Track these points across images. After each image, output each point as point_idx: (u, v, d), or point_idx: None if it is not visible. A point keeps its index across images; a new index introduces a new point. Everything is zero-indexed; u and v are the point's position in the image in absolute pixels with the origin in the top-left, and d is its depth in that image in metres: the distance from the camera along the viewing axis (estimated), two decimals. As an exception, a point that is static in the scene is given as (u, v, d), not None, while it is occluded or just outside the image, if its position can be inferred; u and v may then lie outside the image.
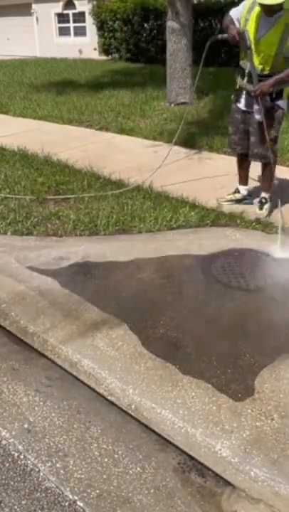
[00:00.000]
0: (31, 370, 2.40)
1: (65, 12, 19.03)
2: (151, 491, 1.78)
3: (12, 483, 1.83)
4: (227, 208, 4.02)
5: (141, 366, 2.25)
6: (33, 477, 1.85)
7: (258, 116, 3.55)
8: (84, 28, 18.32)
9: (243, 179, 4.14)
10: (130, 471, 1.86)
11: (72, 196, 4.33)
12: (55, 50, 18.73)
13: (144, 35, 14.85)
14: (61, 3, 18.88)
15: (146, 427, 2.04)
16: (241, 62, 3.60)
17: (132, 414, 2.09)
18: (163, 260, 3.22)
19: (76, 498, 1.75)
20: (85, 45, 18.06)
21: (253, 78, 3.43)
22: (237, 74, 3.67)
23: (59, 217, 3.91)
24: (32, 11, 19.89)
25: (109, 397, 2.17)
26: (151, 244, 3.47)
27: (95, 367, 2.26)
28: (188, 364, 2.26)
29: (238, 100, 3.74)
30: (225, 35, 3.49)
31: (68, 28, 19.24)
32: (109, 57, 16.71)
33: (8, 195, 4.35)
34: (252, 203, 4.08)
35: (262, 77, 3.44)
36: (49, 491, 1.79)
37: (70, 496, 1.76)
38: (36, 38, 20.25)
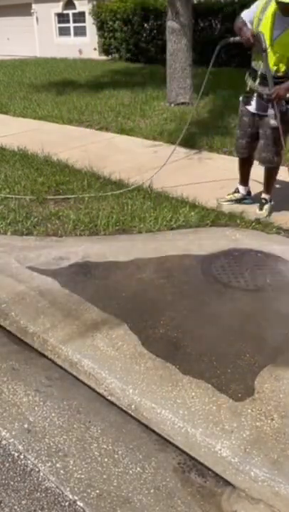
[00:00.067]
0: (31, 370, 2.40)
1: (65, 12, 19.04)
2: (151, 491, 1.78)
3: (12, 483, 1.83)
4: (227, 208, 4.02)
5: (141, 366, 2.25)
6: (33, 477, 1.85)
7: (273, 122, 3.42)
8: (84, 28, 18.33)
9: (244, 179, 4.12)
10: (130, 471, 1.86)
11: (72, 196, 4.33)
12: (55, 50, 18.74)
13: (144, 35, 14.86)
14: (61, 3, 18.89)
15: (146, 427, 2.04)
16: (253, 64, 3.52)
17: (132, 414, 2.09)
18: (163, 260, 3.22)
19: (76, 498, 1.75)
20: (85, 45, 18.07)
21: (269, 81, 3.34)
22: (248, 76, 3.58)
23: (59, 217, 3.91)
24: (32, 11, 19.90)
25: (109, 397, 2.17)
26: (151, 244, 3.47)
27: (95, 367, 2.26)
28: (188, 364, 2.26)
29: (247, 103, 3.63)
30: (237, 38, 3.44)
31: (68, 28, 19.25)
32: (109, 57, 16.72)
33: (8, 195, 4.35)
34: (251, 203, 4.08)
35: (276, 79, 3.36)
36: (49, 491, 1.79)
37: (70, 496, 1.76)
38: (36, 38, 20.26)
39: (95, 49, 17.62)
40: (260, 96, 3.52)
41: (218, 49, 3.54)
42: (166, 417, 1.99)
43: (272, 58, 3.34)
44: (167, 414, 1.99)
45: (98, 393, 2.21)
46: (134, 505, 1.73)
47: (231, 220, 3.81)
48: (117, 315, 2.63)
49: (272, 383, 2.14)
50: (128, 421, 2.08)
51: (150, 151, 5.82)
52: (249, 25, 3.41)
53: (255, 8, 3.41)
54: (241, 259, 3.24)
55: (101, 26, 16.48)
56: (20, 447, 1.96)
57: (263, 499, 1.70)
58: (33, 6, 19.78)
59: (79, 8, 18.27)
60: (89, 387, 2.26)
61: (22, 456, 1.93)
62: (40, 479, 1.83)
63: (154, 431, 2.02)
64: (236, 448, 1.83)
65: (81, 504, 1.73)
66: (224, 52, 11.82)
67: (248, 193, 4.16)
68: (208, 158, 5.50)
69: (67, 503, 1.74)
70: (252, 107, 3.62)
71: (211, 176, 4.79)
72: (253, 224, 3.74)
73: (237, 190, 4.15)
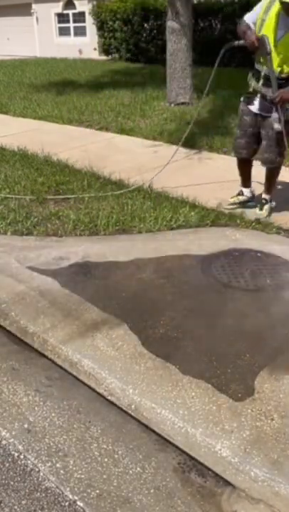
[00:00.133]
0: (31, 370, 2.40)
1: (65, 12, 19.04)
2: (151, 491, 1.78)
3: (12, 483, 1.83)
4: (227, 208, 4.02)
5: (141, 366, 2.25)
6: (33, 477, 1.85)
7: (277, 126, 3.39)
8: (84, 28, 18.33)
9: (246, 181, 4.04)
10: (130, 471, 1.86)
11: (72, 196, 4.33)
12: (55, 50, 18.74)
13: (144, 35, 14.87)
14: (61, 3, 18.88)
15: (146, 427, 2.04)
16: (256, 65, 3.50)
17: (132, 414, 2.09)
18: (163, 260, 3.22)
19: (76, 498, 1.75)
20: (85, 45, 18.06)
21: (272, 84, 3.33)
22: (251, 76, 3.56)
23: (59, 217, 3.91)
24: (32, 11, 19.90)
25: (109, 397, 2.17)
26: (151, 244, 3.47)
27: (95, 367, 2.26)
28: (188, 364, 2.26)
29: (250, 102, 3.60)
30: (242, 42, 3.42)
31: (68, 28, 19.25)
32: (109, 57, 16.72)
33: (8, 195, 4.35)
34: (255, 206, 4.00)
35: (279, 80, 3.34)
36: (49, 491, 1.79)
37: (70, 496, 1.76)
38: (36, 38, 20.26)
39: (95, 49, 17.62)
40: (263, 97, 3.50)
41: (223, 52, 3.53)
42: (166, 417, 1.99)
43: (276, 59, 3.32)
44: (167, 414, 1.99)
45: (98, 393, 2.21)
46: (134, 505, 1.73)
47: (231, 220, 3.81)
48: (117, 315, 2.63)
49: (272, 383, 2.14)
50: (128, 421, 2.08)
51: (150, 151, 5.82)
52: (252, 26, 3.39)
53: (259, 8, 3.38)
54: (241, 259, 3.24)
55: (101, 26, 16.48)
56: (20, 447, 1.96)
57: (263, 499, 1.70)
58: (33, 6, 19.78)
59: (79, 8, 18.26)
60: (89, 387, 2.26)
61: (22, 456, 1.93)
62: (40, 479, 1.83)
63: (154, 431, 2.02)
64: (236, 448, 1.83)
65: (81, 504, 1.73)
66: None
67: (253, 195, 4.07)
68: (208, 158, 5.50)
69: (67, 503, 1.74)
70: (254, 107, 3.59)
71: (211, 176, 4.79)
72: (253, 224, 3.74)
73: (241, 193, 4.07)
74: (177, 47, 8.16)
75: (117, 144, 6.25)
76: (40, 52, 19.63)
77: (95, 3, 16.91)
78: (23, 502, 1.76)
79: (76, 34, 18.97)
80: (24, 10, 19.90)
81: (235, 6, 12.58)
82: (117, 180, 4.69)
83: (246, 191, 4.06)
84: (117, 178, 4.72)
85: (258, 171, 3.99)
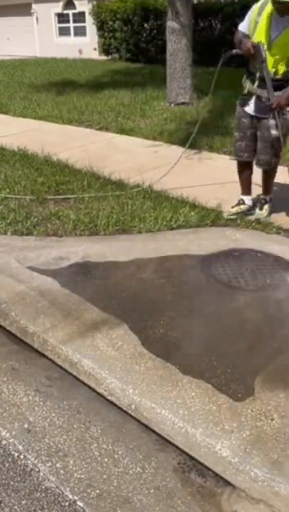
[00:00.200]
0: (31, 370, 2.40)
1: (65, 12, 19.03)
2: (151, 491, 1.78)
3: (12, 483, 1.83)
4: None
5: (141, 366, 2.25)
6: (33, 477, 1.85)
7: (274, 132, 3.38)
8: (84, 28, 18.33)
9: (246, 188, 3.95)
10: (130, 471, 1.86)
11: (72, 196, 4.33)
12: (55, 50, 18.73)
13: (144, 35, 14.86)
14: (61, 3, 18.88)
15: (146, 427, 2.04)
16: (251, 67, 3.51)
17: (132, 414, 2.09)
18: (163, 260, 3.22)
19: (76, 498, 1.75)
20: (85, 45, 18.06)
21: (268, 90, 3.33)
22: (246, 78, 3.56)
23: (59, 217, 3.91)
24: (32, 11, 19.90)
25: (109, 397, 2.17)
26: (151, 244, 3.47)
27: (95, 367, 2.26)
28: (188, 364, 2.26)
29: (245, 104, 3.60)
30: (239, 51, 3.46)
31: (68, 28, 19.25)
32: (109, 57, 16.72)
33: (8, 195, 4.35)
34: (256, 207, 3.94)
35: (274, 82, 3.33)
36: (49, 491, 1.79)
37: (70, 496, 1.76)
38: (36, 38, 20.25)
39: (95, 49, 17.62)
40: (258, 98, 3.50)
41: (222, 61, 3.57)
42: (166, 417, 1.99)
43: (270, 60, 3.32)
44: (167, 414, 1.99)
45: (98, 393, 2.21)
46: (134, 505, 1.73)
47: (231, 220, 3.81)
48: (117, 315, 2.63)
49: (272, 383, 2.14)
50: (128, 421, 2.08)
51: (150, 151, 5.82)
52: (247, 30, 3.43)
53: (250, 13, 3.42)
54: (241, 259, 3.24)
55: (101, 26, 16.48)
56: (20, 447, 1.96)
57: (263, 499, 1.70)
58: (33, 6, 19.78)
59: (79, 8, 18.26)
60: (89, 387, 2.26)
61: (22, 456, 1.93)
62: (40, 479, 1.83)
63: (154, 431, 2.02)
64: (236, 448, 1.83)
65: (81, 504, 1.73)
66: (224, 52, 11.86)
67: (254, 203, 3.96)
68: (208, 158, 5.50)
69: (67, 503, 1.74)
70: (250, 109, 3.59)
71: (211, 175, 4.79)
72: (253, 224, 3.74)
73: (242, 202, 3.95)
74: (177, 47, 8.16)
75: (117, 143, 6.25)
76: (40, 52, 19.63)
77: (95, 3, 16.91)
78: (23, 502, 1.76)
79: (76, 34, 18.97)
80: (24, 10, 19.90)
81: (235, 6, 12.57)
82: (117, 180, 4.69)
83: (247, 199, 3.96)
84: (117, 178, 4.72)
85: (255, 171, 3.93)
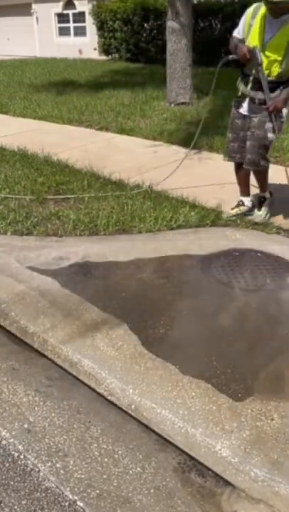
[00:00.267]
0: (31, 370, 2.40)
1: (65, 12, 19.03)
2: (151, 491, 1.78)
3: (12, 483, 1.83)
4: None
5: (141, 366, 2.25)
6: (33, 477, 1.85)
7: (271, 135, 3.42)
8: (84, 28, 18.32)
9: (245, 189, 3.94)
10: (130, 471, 1.86)
11: (72, 196, 4.33)
12: (55, 50, 18.73)
13: (144, 35, 14.86)
14: (61, 3, 18.88)
15: (147, 427, 2.04)
16: (245, 69, 3.51)
17: (132, 414, 2.09)
18: (163, 260, 3.22)
19: (76, 498, 1.75)
20: (85, 45, 18.06)
21: (265, 92, 3.35)
22: (240, 81, 3.58)
23: (59, 217, 3.91)
24: (32, 11, 19.89)
25: (109, 397, 2.17)
26: (151, 244, 3.47)
27: (95, 367, 2.26)
28: (188, 364, 2.25)
29: (239, 106, 3.62)
30: (235, 56, 3.48)
31: (68, 28, 19.24)
32: (109, 57, 16.72)
33: (8, 195, 4.35)
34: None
35: (269, 84, 3.35)
36: (49, 491, 1.79)
37: (70, 496, 1.76)
38: (36, 38, 20.25)
39: (95, 49, 17.62)
40: (252, 100, 3.52)
41: (220, 66, 3.61)
42: (166, 417, 1.99)
43: (264, 62, 3.34)
44: (167, 414, 1.99)
45: (98, 393, 2.22)
46: (134, 505, 1.73)
47: (231, 220, 3.80)
48: (117, 315, 2.63)
49: (272, 383, 2.14)
50: (128, 421, 2.08)
51: (150, 151, 5.82)
52: (242, 34, 3.46)
53: (244, 17, 3.45)
54: (241, 259, 3.24)
55: (101, 26, 16.47)
56: (20, 447, 1.96)
57: (263, 499, 1.70)
58: (33, 6, 19.77)
59: (79, 8, 18.26)
60: (89, 387, 2.26)
61: (22, 456, 1.93)
62: (40, 479, 1.83)
63: (154, 431, 2.02)
64: (236, 448, 1.83)
65: (81, 504, 1.73)
66: (224, 52, 11.87)
67: (253, 205, 3.94)
68: (208, 158, 5.50)
69: (67, 503, 1.74)
70: (243, 109, 3.61)
71: (211, 175, 4.79)
72: (253, 224, 3.74)
73: (241, 203, 3.93)
74: (177, 47, 8.16)
75: (117, 144, 6.25)
76: (40, 52, 19.63)
77: (95, 3, 16.91)
78: (23, 502, 1.76)
79: (76, 34, 18.97)
80: (24, 10, 19.90)
81: (235, 6, 12.56)
82: (117, 180, 4.69)
83: (246, 200, 3.94)
84: (117, 178, 4.72)
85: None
